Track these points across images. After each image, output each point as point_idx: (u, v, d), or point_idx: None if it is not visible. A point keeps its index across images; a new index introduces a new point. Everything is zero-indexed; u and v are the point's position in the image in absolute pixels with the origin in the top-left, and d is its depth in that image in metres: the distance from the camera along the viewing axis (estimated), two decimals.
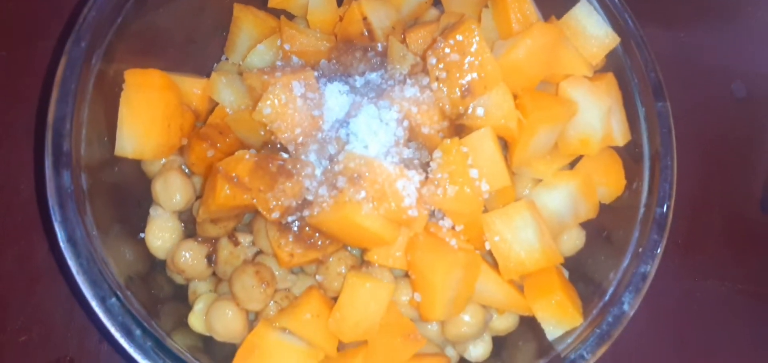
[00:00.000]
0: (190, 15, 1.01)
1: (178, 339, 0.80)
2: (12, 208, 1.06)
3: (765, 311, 1.06)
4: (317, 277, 0.85)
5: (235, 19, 1.02)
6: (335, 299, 0.81)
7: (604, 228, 0.91)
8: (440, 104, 0.86)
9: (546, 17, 0.91)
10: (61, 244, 0.76)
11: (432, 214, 0.84)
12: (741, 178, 1.12)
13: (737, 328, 1.04)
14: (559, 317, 0.83)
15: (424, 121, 0.85)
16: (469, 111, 0.85)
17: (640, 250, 0.82)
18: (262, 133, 0.88)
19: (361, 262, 0.86)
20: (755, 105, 1.18)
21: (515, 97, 0.86)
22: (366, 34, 0.96)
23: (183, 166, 0.92)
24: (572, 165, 0.92)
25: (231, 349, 0.83)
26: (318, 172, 0.83)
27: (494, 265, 0.85)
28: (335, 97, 0.88)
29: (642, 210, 0.86)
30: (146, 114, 0.87)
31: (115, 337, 0.75)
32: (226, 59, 1.05)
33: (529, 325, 0.87)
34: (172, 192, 0.88)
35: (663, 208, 0.84)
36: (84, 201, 0.80)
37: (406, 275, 0.84)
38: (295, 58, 0.96)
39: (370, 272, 0.83)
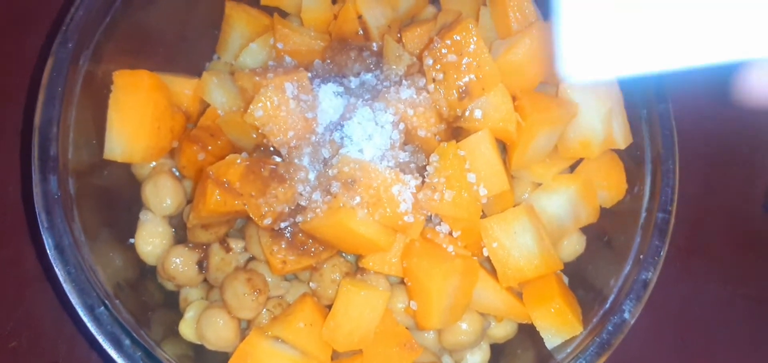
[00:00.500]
0: (181, 13, 0.99)
1: (169, 348, 0.79)
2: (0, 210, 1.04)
3: None
4: (311, 284, 0.84)
5: (226, 17, 1.00)
6: (329, 307, 0.80)
7: (605, 233, 0.90)
8: (437, 106, 0.84)
9: (546, 17, 0.90)
10: (49, 252, 0.76)
11: (429, 219, 0.82)
12: (744, 181, 1.11)
13: (740, 333, 1.03)
14: (559, 325, 0.81)
15: (421, 123, 0.83)
16: (467, 113, 0.84)
17: (642, 256, 0.81)
18: (255, 135, 0.86)
19: (356, 269, 0.84)
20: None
21: (514, 98, 0.84)
22: (361, 32, 0.95)
23: (173, 170, 0.91)
24: (572, 168, 0.91)
25: (222, 358, 0.82)
26: (311, 176, 0.82)
27: (492, 271, 0.83)
28: (329, 99, 0.86)
29: (643, 215, 0.84)
30: (135, 116, 0.86)
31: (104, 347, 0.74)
32: (218, 58, 1.03)
33: (527, 333, 0.86)
34: (162, 196, 0.87)
35: (665, 212, 0.82)
36: (72, 206, 0.79)
37: (402, 282, 0.83)
38: (288, 58, 0.94)
39: (365, 279, 0.82)
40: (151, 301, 0.88)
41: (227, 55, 1.01)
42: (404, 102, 0.84)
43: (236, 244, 0.86)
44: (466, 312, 0.83)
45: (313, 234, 0.80)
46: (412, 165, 0.83)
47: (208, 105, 0.92)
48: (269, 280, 0.84)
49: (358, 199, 0.77)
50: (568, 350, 0.80)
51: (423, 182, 0.80)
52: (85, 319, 0.74)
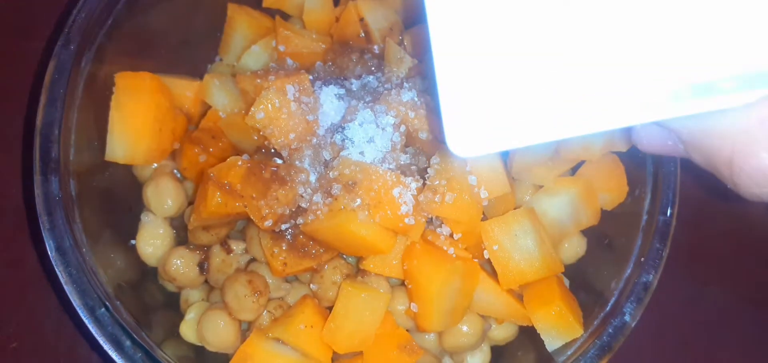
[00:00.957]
0: (183, 15, 0.99)
1: (169, 349, 0.79)
2: (1, 212, 1.04)
3: None
4: (312, 286, 0.84)
5: (229, 19, 1.00)
6: (330, 309, 0.80)
7: (606, 235, 0.90)
8: None
9: None
10: (50, 254, 0.75)
11: (429, 221, 0.82)
12: None
13: (741, 336, 1.03)
14: (559, 328, 0.81)
15: (422, 126, 0.83)
16: None
17: (643, 258, 0.81)
18: (256, 137, 0.86)
19: (357, 270, 0.84)
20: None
21: None
22: (363, 35, 0.95)
23: (175, 171, 0.91)
24: (573, 171, 0.90)
25: (223, 360, 0.82)
26: (312, 178, 0.82)
27: (493, 273, 0.83)
28: (330, 101, 0.86)
29: (645, 217, 0.84)
30: (137, 118, 0.86)
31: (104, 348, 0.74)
32: (220, 60, 1.03)
33: (528, 335, 0.85)
34: (163, 197, 0.87)
35: (666, 215, 0.82)
36: (73, 208, 0.79)
37: (403, 284, 0.83)
38: (289, 60, 0.94)
39: (365, 281, 0.82)
40: (152, 302, 0.88)
41: (229, 57, 1.01)
42: (405, 104, 0.83)
43: (237, 246, 0.86)
44: (467, 314, 0.83)
45: (313, 236, 0.80)
46: (413, 167, 0.83)
47: (210, 107, 0.92)
48: (270, 281, 0.84)
49: (358, 201, 0.76)
50: (569, 353, 0.79)
51: (424, 184, 0.80)
52: (86, 320, 0.73)
